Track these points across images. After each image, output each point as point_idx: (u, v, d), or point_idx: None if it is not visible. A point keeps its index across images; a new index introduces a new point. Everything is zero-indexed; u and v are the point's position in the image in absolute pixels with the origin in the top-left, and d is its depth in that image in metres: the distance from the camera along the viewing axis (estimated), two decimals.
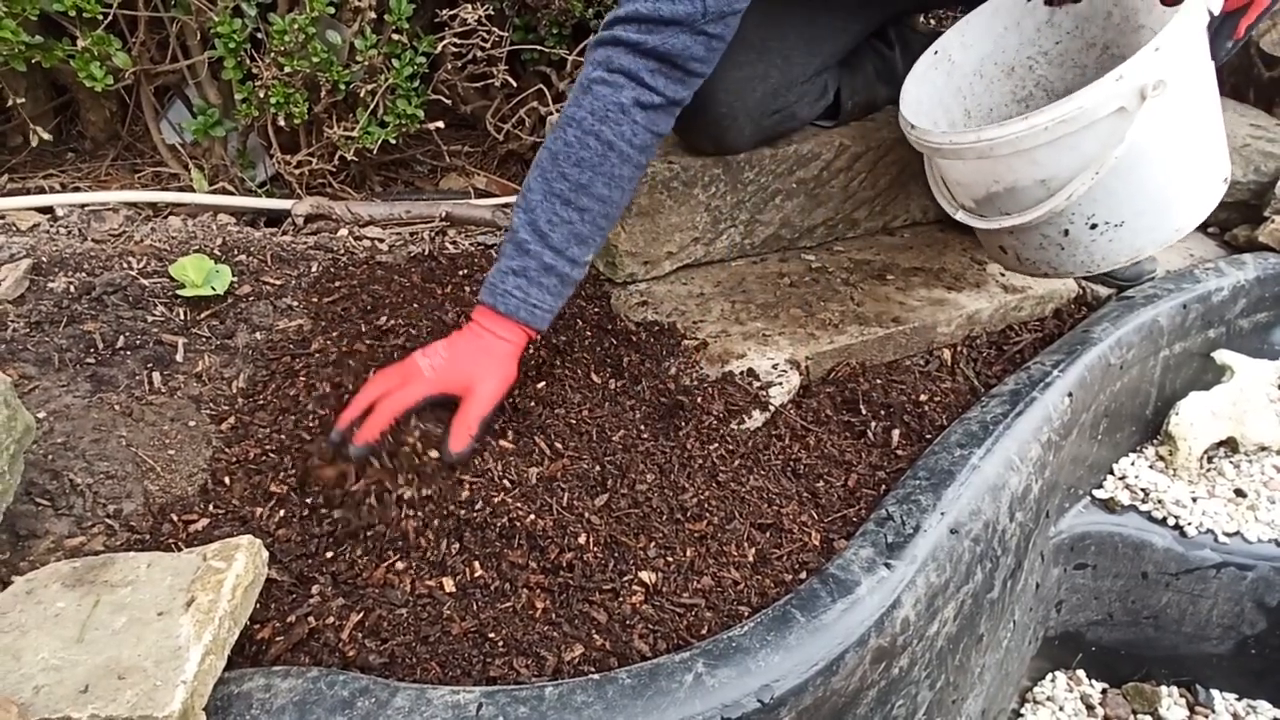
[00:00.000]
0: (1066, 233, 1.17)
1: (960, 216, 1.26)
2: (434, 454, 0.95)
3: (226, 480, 0.97)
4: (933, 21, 1.89)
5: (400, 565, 0.87)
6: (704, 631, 0.83)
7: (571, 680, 0.75)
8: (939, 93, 1.35)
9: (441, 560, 0.88)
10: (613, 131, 0.98)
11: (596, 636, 0.82)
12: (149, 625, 0.68)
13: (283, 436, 1.02)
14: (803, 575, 0.89)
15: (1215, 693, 1.35)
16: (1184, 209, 1.16)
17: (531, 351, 1.18)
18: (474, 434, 0.96)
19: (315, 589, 0.84)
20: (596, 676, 0.75)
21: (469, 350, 1.00)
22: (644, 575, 0.87)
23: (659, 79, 0.99)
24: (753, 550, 0.92)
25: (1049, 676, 1.36)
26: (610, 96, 0.98)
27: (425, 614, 0.83)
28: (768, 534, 0.95)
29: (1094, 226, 1.16)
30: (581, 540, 0.89)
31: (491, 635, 0.81)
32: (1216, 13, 1.07)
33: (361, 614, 0.82)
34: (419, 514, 0.92)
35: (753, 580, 0.89)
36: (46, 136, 1.43)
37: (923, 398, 1.20)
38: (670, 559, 0.90)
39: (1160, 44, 1.02)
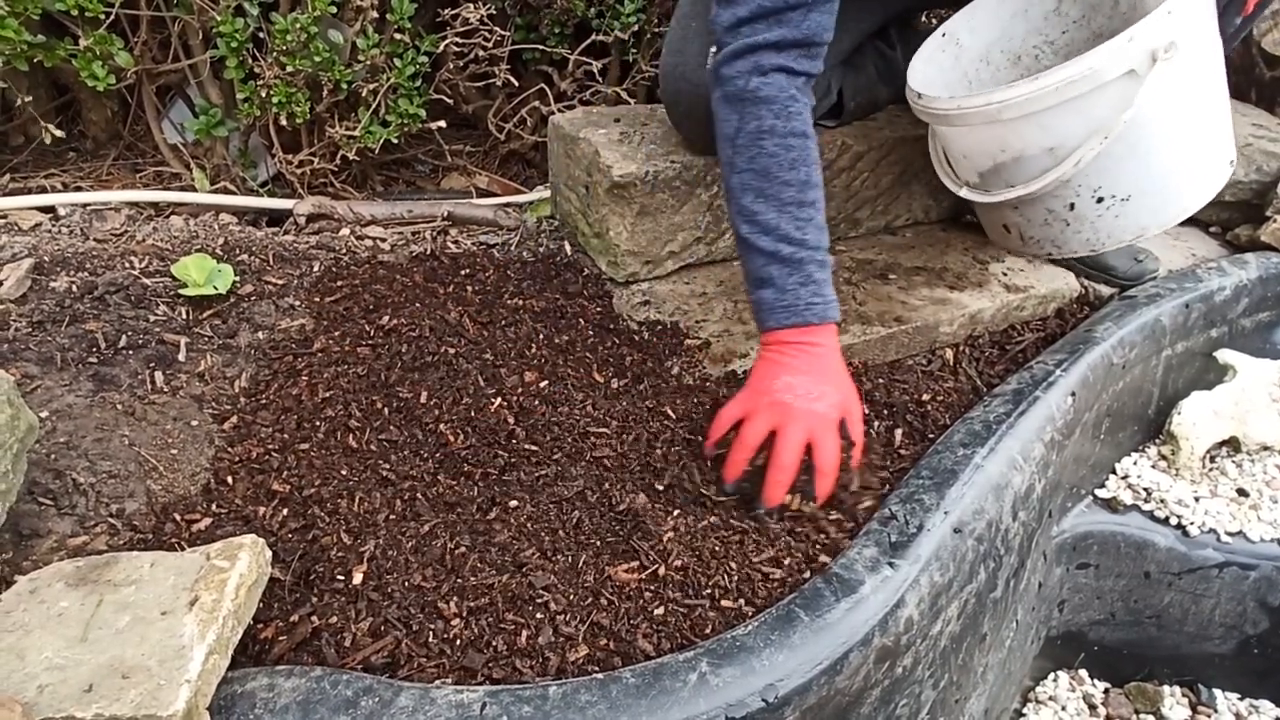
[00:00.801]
0: (1072, 206, 1.16)
1: (964, 193, 1.26)
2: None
3: (229, 480, 0.97)
4: (934, 21, 1.89)
5: (413, 564, 0.87)
6: (708, 631, 0.82)
7: (575, 680, 0.75)
8: (945, 75, 1.35)
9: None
10: (800, 122, 1.01)
11: (600, 637, 0.81)
12: (153, 624, 0.68)
13: (285, 436, 1.02)
14: (806, 574, 0.89)
15: (1217, 692, 1.35)
16: (1190, 187, 1.16)
17: (533, 351, 1.18)
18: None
19: (319, 588, 0.84)
20: (600, 676, 0.75)
21: (828, 374, 1.00)
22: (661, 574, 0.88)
23: (803, 62, 1.02)
24: (756, 549, 0.92)
25: (1051, 676, 1.36)
26: (781, 95, 1.01)
27: (430, 612, 0.83)
28: (772, 532, 0.95)
29: (1100, 200, 1.14)
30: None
31: (495, 637, 0.81)
32: None
33: (365, 613, 0.82)
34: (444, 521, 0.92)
35: (757, 579, 0.88)
36: (59, 134, 1.43)
37: (925, 397, 1.20)
38: (679, 559, 0.90)
39: (1173, 7, 1.01)
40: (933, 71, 1.32)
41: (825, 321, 1.01)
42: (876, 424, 1.14)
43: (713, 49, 1.06)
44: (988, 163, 1.19)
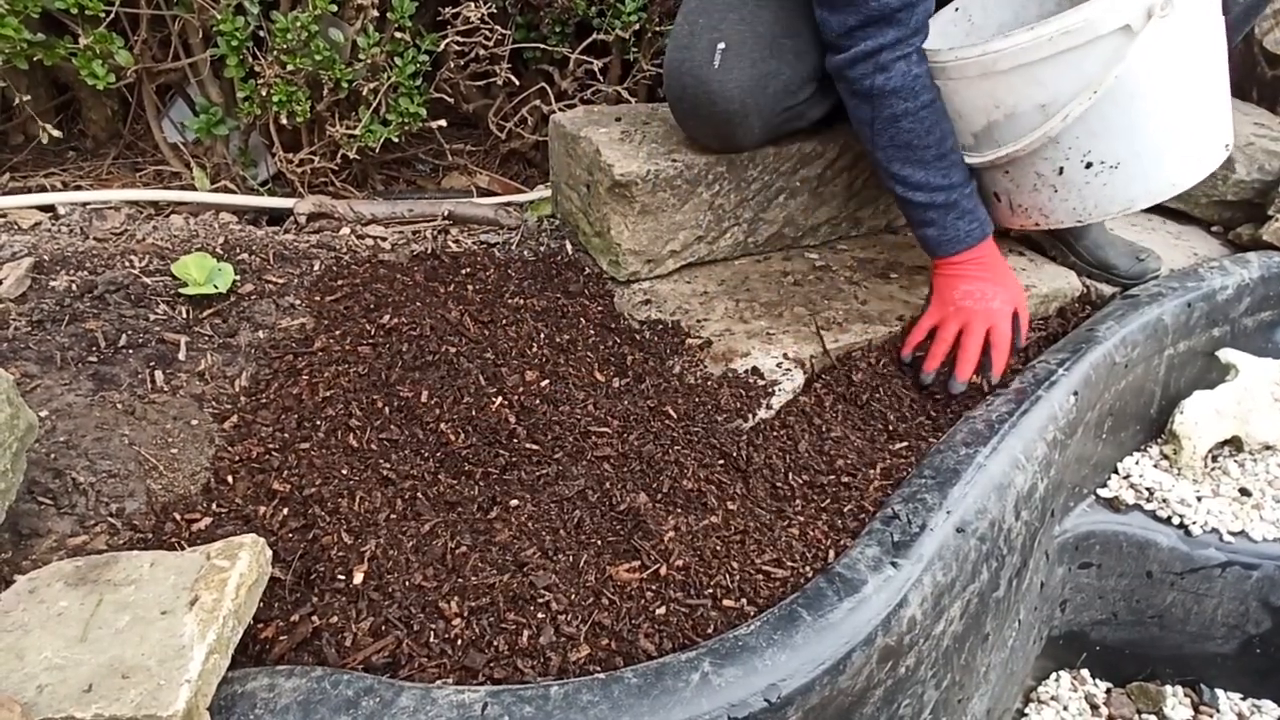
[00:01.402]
0: (1061, 171, 1.18)
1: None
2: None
3: (229, 479, 0.96)
4: None
5: (414, 563, 0.87)
6: (710, 630, 0.82)
7: (577, 680, 0.75)
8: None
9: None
10: (926, 94, 1.14)
11: (602, 636, 0.81)
12: (152, 624, 0.68)
13: (285, 435, 1.02)
14: (809, 574, 0.89)
15: (1220, 692, 1.35)
16: (1181, 162, 1.16)
17: (534, 350, 1.18)
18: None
19: (319, 587, 0.84)
20: (602, 676, 0.75)
21: (996, 278, 1.19)
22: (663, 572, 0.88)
23: (915, 41, 1.13)
24: (759, 549, 0.92)
25: (1053, 676, 1.35)
26: (904, 80, 1.12)
27: (431, 611, 0.82)
28: (774, 532, 0.95)
29: (1089, 166, 1.16)
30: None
31: (497, 637, 0.81)
32: None
33: (366, 613, 0.82)
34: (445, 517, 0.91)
35: (759, 578, 0.88)
36: (56, 134, 1.42)
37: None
38: (680, 559, 0.90)
39: None
40: (943, 44, 1.32)
41: (984, 240, 1.19)
42: (879, 423, 1.14)
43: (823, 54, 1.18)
44: (981, 121, 1.20)
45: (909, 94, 1.12)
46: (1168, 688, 1.35)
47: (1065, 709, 1.30)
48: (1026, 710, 1.30)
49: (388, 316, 1.21)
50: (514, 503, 0.95)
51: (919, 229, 1.21)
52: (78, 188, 1.52)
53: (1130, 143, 1.13)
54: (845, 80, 1.15)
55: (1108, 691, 1.34)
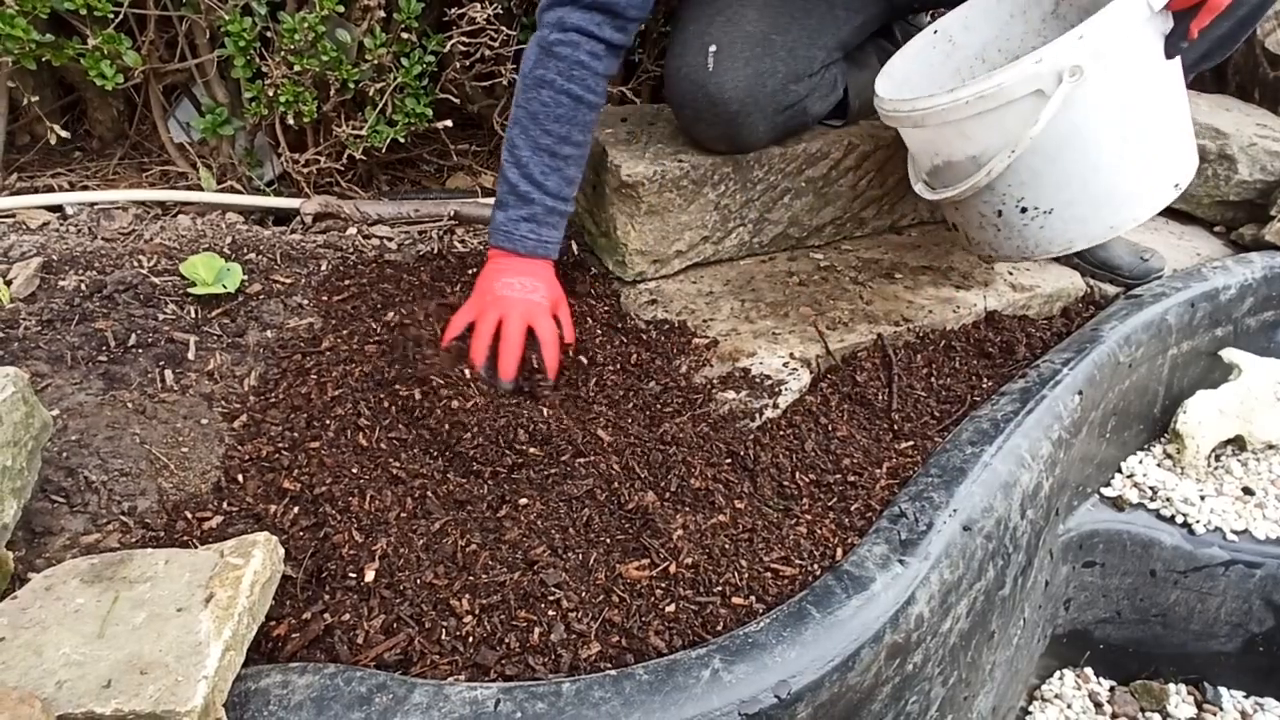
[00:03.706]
0: (1000, 213, 1.19)
1: (918, 189, 1.29)
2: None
3: (240, 478, 0.97)
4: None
5: (425, 561, 0.87)
6: (720, 628, 0.83)
7: (589, 676, 0.75)
8: (934, 71, 1.35)
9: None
10: (580, 86, 1.11)
11: (613, 634, 0.82)
12: (169, 621, 0.68)
13: (295, 434, 1.02)
14: (817, 571, 0.90)
15: (1223, 690, 1.35)
16: (1121, 206, 1.16)
17: None
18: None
19: (331, 585, 0.85)
20: (614, 672, 0.75)
21: (539, 277, 1.14)
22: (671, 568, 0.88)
23: (606, 29, 1.10)
24: (767, 547, 0.93)
25: (1057, 674, 1.36)
26: (571, 55, 1.09)
27: (442, 609, 0.83)
28: (782, 530, 0.95)
29: (1024, 210, 1.17)
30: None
31: (508, 634, 0.81)
32: (1157, 9, 1.04)
33: (377, 610, 0.82)
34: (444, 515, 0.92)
35: (767, 576, 0.89)
36: (64, 134, 1.43)
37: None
38: (689, 557, 0.90)
39: (1084, 32, 1.02)
40: (918, 68, 1.33)
41: (536, 257, 1.15)
42: (884, 422, 1.15)
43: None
44: (928, 164, 1.23)
45: (565, 71, 1.09)
46: (1171, 686, 1.35)
47: (1069, 707, 1.31)
48: (1031, 708, 1.31)
49: (394, 316, 1.22)
50: (523, 501, 0.96)
51: (495, 208, 1.16)
52: (85, 188, 1.52)
53: (1060, 191, 1.14)
54: (538, 26, 1.12)
55: (1111, 689, 1.35)
